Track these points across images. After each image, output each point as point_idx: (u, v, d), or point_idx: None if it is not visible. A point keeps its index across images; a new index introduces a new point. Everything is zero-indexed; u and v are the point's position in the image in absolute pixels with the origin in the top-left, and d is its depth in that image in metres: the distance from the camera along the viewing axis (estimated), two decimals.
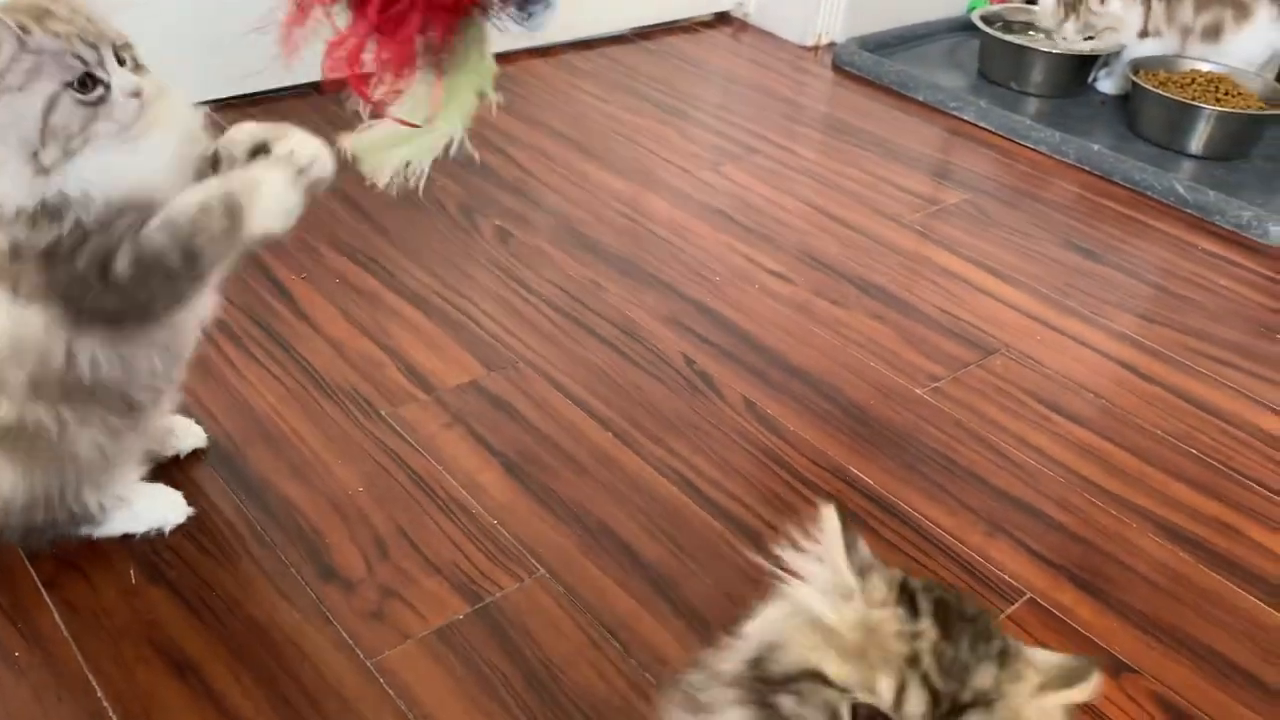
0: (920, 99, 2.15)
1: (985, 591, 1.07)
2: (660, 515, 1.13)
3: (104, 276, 0.86)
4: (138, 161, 0.87)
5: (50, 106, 0.82)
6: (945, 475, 1.22)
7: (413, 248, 1.52)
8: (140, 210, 0.87)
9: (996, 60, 2.23)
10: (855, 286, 1.55)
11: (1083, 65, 2.19)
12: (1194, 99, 1.99)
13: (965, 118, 2.10)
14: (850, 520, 0.71)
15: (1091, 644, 1.03)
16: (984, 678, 0.58)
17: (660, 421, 1.26)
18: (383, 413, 1.22)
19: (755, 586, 1.05)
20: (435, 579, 1.03)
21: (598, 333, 1.39)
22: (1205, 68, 2.09)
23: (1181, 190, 1.83)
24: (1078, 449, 1.28)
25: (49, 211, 0.85)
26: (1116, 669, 1.01)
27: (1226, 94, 2.02)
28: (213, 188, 0.89)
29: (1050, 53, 2.17)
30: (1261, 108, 2.00)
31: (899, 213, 1.76)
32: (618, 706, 0.93)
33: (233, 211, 0.88)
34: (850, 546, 0.65)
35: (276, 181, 0.90)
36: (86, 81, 0.83)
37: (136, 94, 0.85)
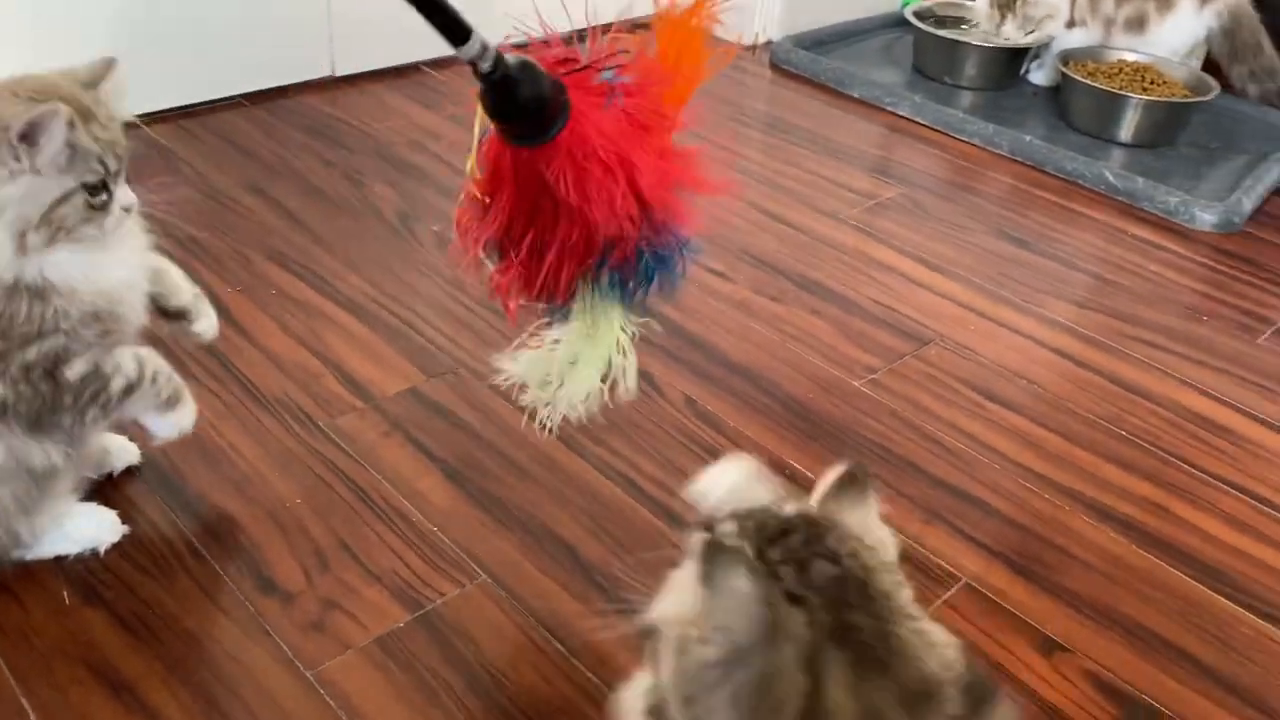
0: (856, 95, 2.18)
1: (922, 578, 1.09)
2: (604, 516, 1.13)
3: (50, 375, 0.91)
4: (105, 268, 0.93)
5: (63, 199, 0.87)
6: (882, 465, 1.24)
7: (350, 256, 1.52)
8: (105, 323, 0.93)
9: (930, 55, 2.26)
10: (794, 283, 1.56)
11: (1014, 58, 2.23)
12: (1121, 89, 2.03)
13: (901, 113, 2.12)
14: None
15: (1026, 625, 1.05)
16: None
17: (602, 422, 1.26)
18: (321, 424, 1.22)
19: None
20: (375, 588, 1.03)
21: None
22: (1131, 58, 2.14)
23: (1111, 178, 1.87)
24: (1012, 435, 1.30)
25: (29, 290, 0.88)
26: (1050, 648, 1.03)
27: (1152, 83, 2.07)
28: (169, 373, 1.02)
29: (982, 46, 2.20)
30: (1186, 95, 2.05)
31: (836, 209, 1.78)
32: (561, 708, 0.94)
33: (174, 399, 1.03)
34: None
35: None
36: (98, 188, 0.88)
37: (128, 209, 0.92)
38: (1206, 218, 1.79)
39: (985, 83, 2.22)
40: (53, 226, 0.87)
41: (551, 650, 0.98)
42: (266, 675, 0.94)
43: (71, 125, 0.85)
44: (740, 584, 0.60)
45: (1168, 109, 2.02)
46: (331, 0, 1.96)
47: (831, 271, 1.60)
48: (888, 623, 0.62)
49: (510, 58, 0.78)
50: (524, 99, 0.78)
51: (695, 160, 0.94)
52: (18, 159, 0.84)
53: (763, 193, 1.81)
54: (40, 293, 0.89)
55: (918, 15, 2.30)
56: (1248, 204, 1.82)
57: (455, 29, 0.74)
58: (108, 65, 0.93)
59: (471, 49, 0.75)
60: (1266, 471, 1.28)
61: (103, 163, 0.88)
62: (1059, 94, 2.14)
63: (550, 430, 0.99)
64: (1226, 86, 2.16)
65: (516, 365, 0.99)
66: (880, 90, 2.16)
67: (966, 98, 2.20)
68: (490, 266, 0.94)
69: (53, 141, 0.84)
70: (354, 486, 1.14)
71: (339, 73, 2.01)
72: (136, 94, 1.77)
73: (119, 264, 0.95)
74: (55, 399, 0.92)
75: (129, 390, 0.97)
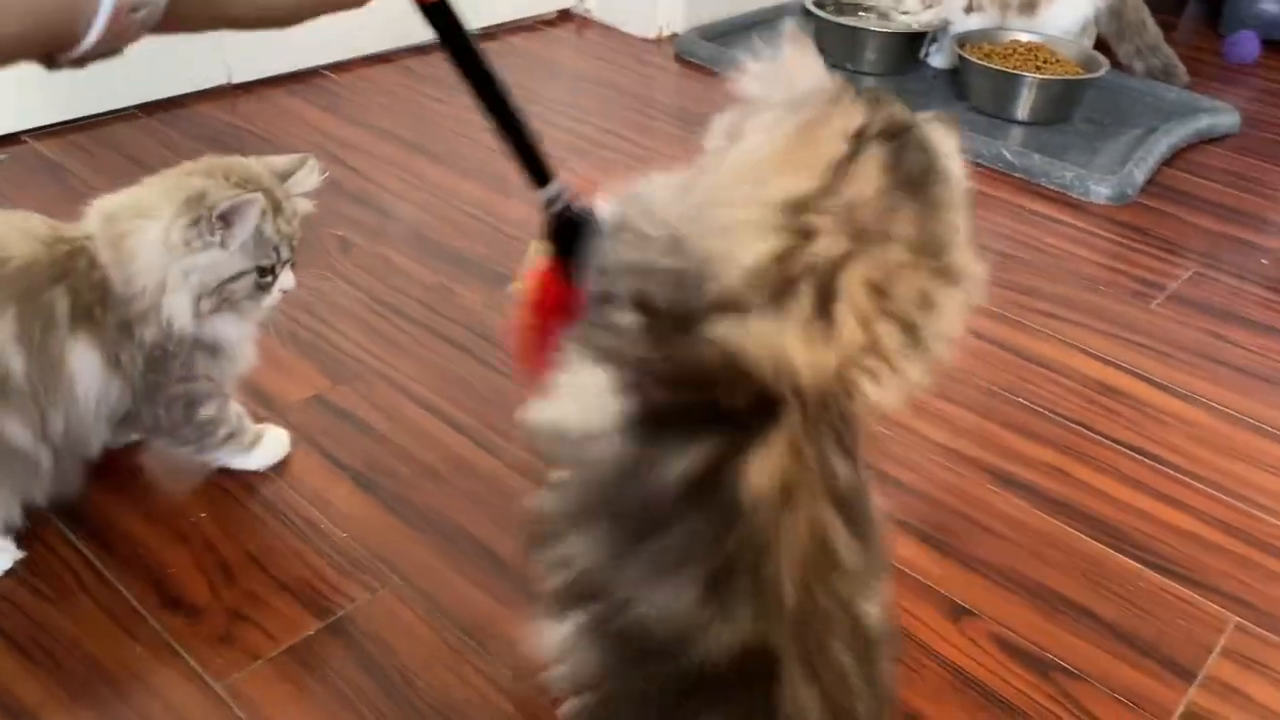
0: None
1: None
2: (521, 514, 1.13)
3: (187, 409, 1.06)
4: (249, 336, 1.09)
5: (237, 276, 1.00)
6: None
7: None
8: (236, 379, 1.11)
9: (831, 42, 2.29)
10: None
11: (913, 42, 2.27)
12: (1016, 69, 2.08)
13: None
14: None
15: (934, 593, 1.07)
16: None
17: (515, 423, 1.26)
18: None
19: None
20: (284, 597, 1.02)
21: (450, 338, 1.39)
22: (1025, 38, 2.19)
23: (1009, 156, 1.91)
24: (916, 410, 1.32)
25: (206, 346, 1.04)
26: (956, 614, 1.05)
27: (1046, 62, 2.12)
28: (251, 426, 1.16)
29: (881, 32, 2.24)
30: (1079, 73, 2.11)
31: None
32: (477, 705, 0.94)
33: (255, 442, 1.16)
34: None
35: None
36: (269, 271, 1.02)
37: (286, 291, 1.05)
38: (1101, 191, 1.84)
39: (886, 68, 2.26)
40: (221, 297, 1.00)
41: (466, 649, 0.98)
42: (175, 692, 0.92)
43: (264, 215, 0.99)
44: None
45: (1062, 87, 2.07)
46: None
47: None
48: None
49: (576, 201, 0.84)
50: (590, 238, 0.83)
51: None
52: (213, 234, 0.97)
53: None
54: (215, 350, 1.05)
55: (817, 3, 2.33)
56: (1139, 176, 1.88)
57: (541, 173, 0.81)
58: (301, 161, 1.06)
59: (552, 191, 0.81)
60: (1162, 432, 1.33)
61: (277, 252, 1.02)
62: (957, 76, 2.19)
63: None
64: (1116, 64, 2.23)
65: None
66: None
67: (868, 83, 2.23)
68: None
69: (245, 226, 0.98)
70: (260, 497, 1.12)
71: (236, 80, 1.97)
72: (21, 108, 1.73)
73: (250, 328, 1.09)
74: (175, 427, 1.07)
75: (228, 438, 1.12)
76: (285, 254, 1.03)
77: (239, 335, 1.07)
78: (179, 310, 0.98)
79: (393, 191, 1.70)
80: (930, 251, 0.65)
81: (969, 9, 2.23)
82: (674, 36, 2.39)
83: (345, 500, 1.13)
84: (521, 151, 0.81)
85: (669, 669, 0.65)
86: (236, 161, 1.03)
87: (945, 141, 0.70)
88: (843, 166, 0.63)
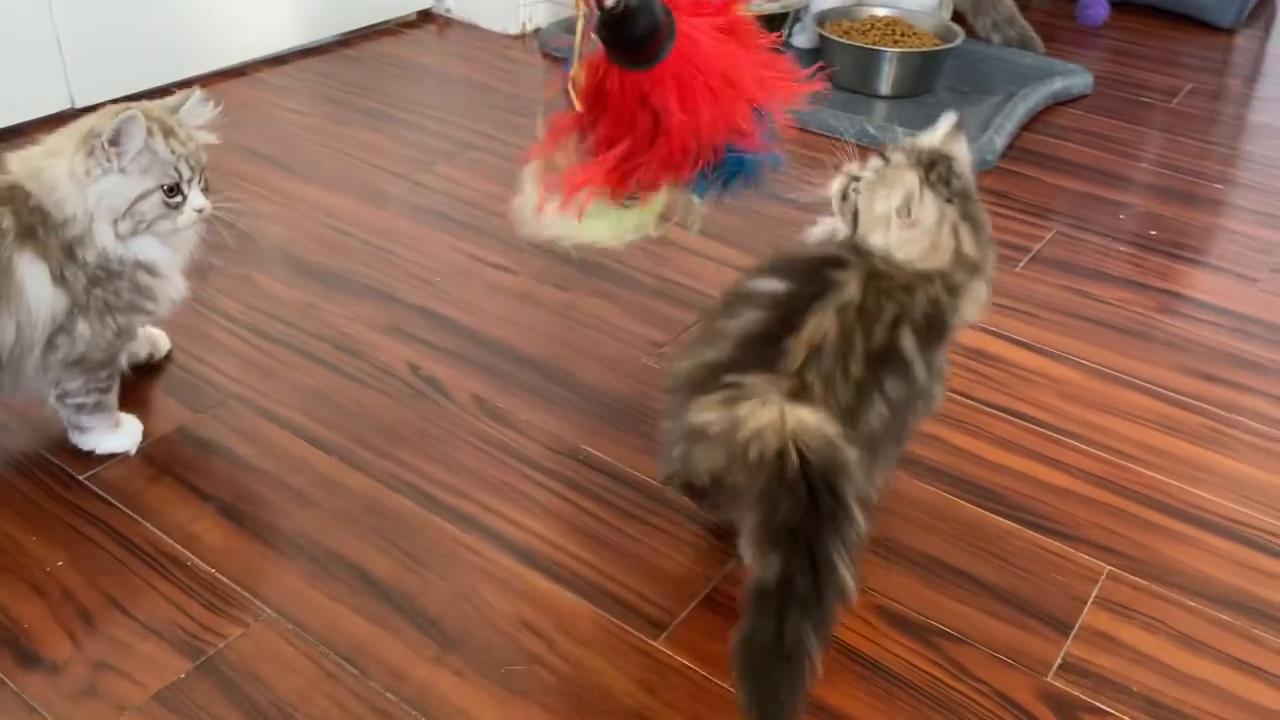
0: None
1: (716, 539, 1.10)
2: (392, 531, 1.10)
3: (122, 338, 1.15)
4: (176, 265, 1.16)
5: (143, 196, 1.08)
6: None
7: None
8: (170, 307, 1.18)
9: None
10: (575, 267, 1.56)
11: (775, 24, 2.29)
12: (875, 43, 2.11)
13: None
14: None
15: None
16: None
17: (387, 435, 1.23)
18: (81, 478, 1.14)
19: (492, 581, 1.05)
20: (151, 641, 0.97)
21: (314, 355, 1.35)
22: (882, 13, 2.22)
23: (872, 130, 1.94)
24: None
25: (144, 266, 1.12)
26: None
27: (903, 35, 2.16)
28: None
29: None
30: (936, 44, 2.15)
31: None
32: None
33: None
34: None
35: None
36: (174, 190, 1.09)
37: (200, 211, 1.12)
38: None
39: None
40: (136, 219, 1.08)
41: (344, 674, 0.95)
42: None
43: (150, 133, 1.06)
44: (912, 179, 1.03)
45: (921, 59, 2.11)
46: (59, 30, 1.84)
47: (612, 252, 1.60)
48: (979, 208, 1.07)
49: None
50: (641, 30, 0.83)
51: (786, 66, 1.03)
52: (107, 159, 1.05)
53: None
54: (153, 269, 1.13)
55: None
56: (999, 142, 1.93)
57: None
58: (187, 96, 1.14)
59: None
60: (1032, 392, 1.36)
61: (178, 170, 1.09)
62: (820, 55, 2.21)
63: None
64: (972, 33, 2.28)
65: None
66: None
67: None
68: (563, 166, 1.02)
69: (133, 143, 1.06)
70: (121, 539, 1.07)
71: (79, 104, 1.88)
72: None
73: (180, 250, 1.17)
74: (103, 364, 1.14)
75: (101, 408, 1.17)
76: (187, 173, 1.10)
77: (169, 259, 1.14)
78: (102, 233, 1.08)
79: (254, 209, 1.65)
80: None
81: None
82: (537, 31, 2.37)
83: (211, 533, 1.09)
84: None
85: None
86: (131, 105, 1.09)
87: (965, 155, 1.09)
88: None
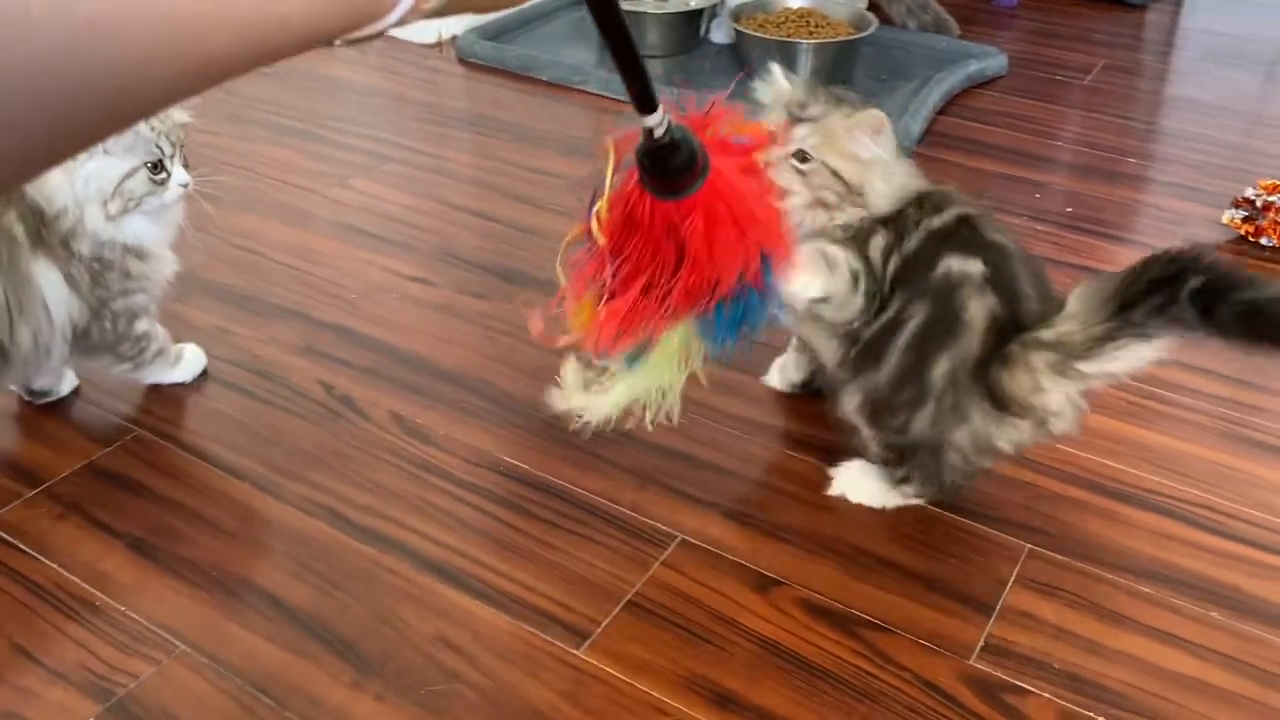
0: (546, 79, 2.18)
1: (638, 544, 1.10)
2: (308, 555, 1.08)
3: (130, 322, 1.22)
4: (165, 244, 1.22)
5: (129, 174, 1.12)
6: (596, 441, 1.23)
7: None
8: (165, 287, 1.24)
9: None
10: (495, 275, 1.55)
11: (692, 21, 2.29)
12: (790, 36, 2.12)
13: (589, 89, 2.14)
14: None
15: (741, 567, 1.07)
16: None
17: (302, 458, 1.20)
18: None
19: (411, 602, 1.03)
20: (59, 687, 0.94)
21: (225, 380, 1.32)
22: (796, 4, 2.23)
23: None
24: (714, 386, 1.32)
25: (133, 250, 1.17)
26: (765, 585, 1.06)
27: (818, 26, 2.17)
28: (175, 346, 1.32)
29: (658, 14, 2.25)
30: (851, 33, 2.16)
31: (535, 195, 1.77)
32: None
33: (178, 357, 1.32)
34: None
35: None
36: (158, 166, 1.14)
37: (185, 186, 1.17)
38: None
39: (669, 49, 2.27)
40: (124, 197, 1.12)
41: (261, 706, 0.93)
42: None
43: None
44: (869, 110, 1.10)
45: (836, 49, 2.12)
46: None
47: (533, 259, 1.59)
48: None
49: (675, 125, 0.86)
50: (681, 160, 0.87)
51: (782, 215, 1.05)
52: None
53: (458, 189, 1.78)
54: (142, 253, 1.17)
55: None
56: (916, 127, 1.94)
57: (647, 100, 0.82)
58: None
59: (655, 118, 0.83)
60: None
61: (159, 147, 1.13)
62: (737, 50, 2.21)
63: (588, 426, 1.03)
64: (888, 20, 2.29)
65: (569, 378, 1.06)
66: (567, 70, 2.17)
67: (654, 66, 2.24)
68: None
69: None
70: (27, 583, 1.04)
71: None
72: None
73: (169, 227, 1.21)
74: (119, 342, 1.21)
75: (158, 353, 1.27)
76: (168, 149, 1.14)
77: (156, 237, 1.19)
78: (93, 217, 1.12)
79: None
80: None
81: None
82: (454, 39, 2.35)
83: (122, 570, 1.06)
84: (636, 80, 0.81)
85: None
86: None
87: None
88: None
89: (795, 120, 1.09)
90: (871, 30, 2.14)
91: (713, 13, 2.32)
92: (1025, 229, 1.70)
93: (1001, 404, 1.05)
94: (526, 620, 1.02)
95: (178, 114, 1.18)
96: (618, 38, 0.79)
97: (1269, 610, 1.04)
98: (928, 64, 2.23)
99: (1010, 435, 1.07)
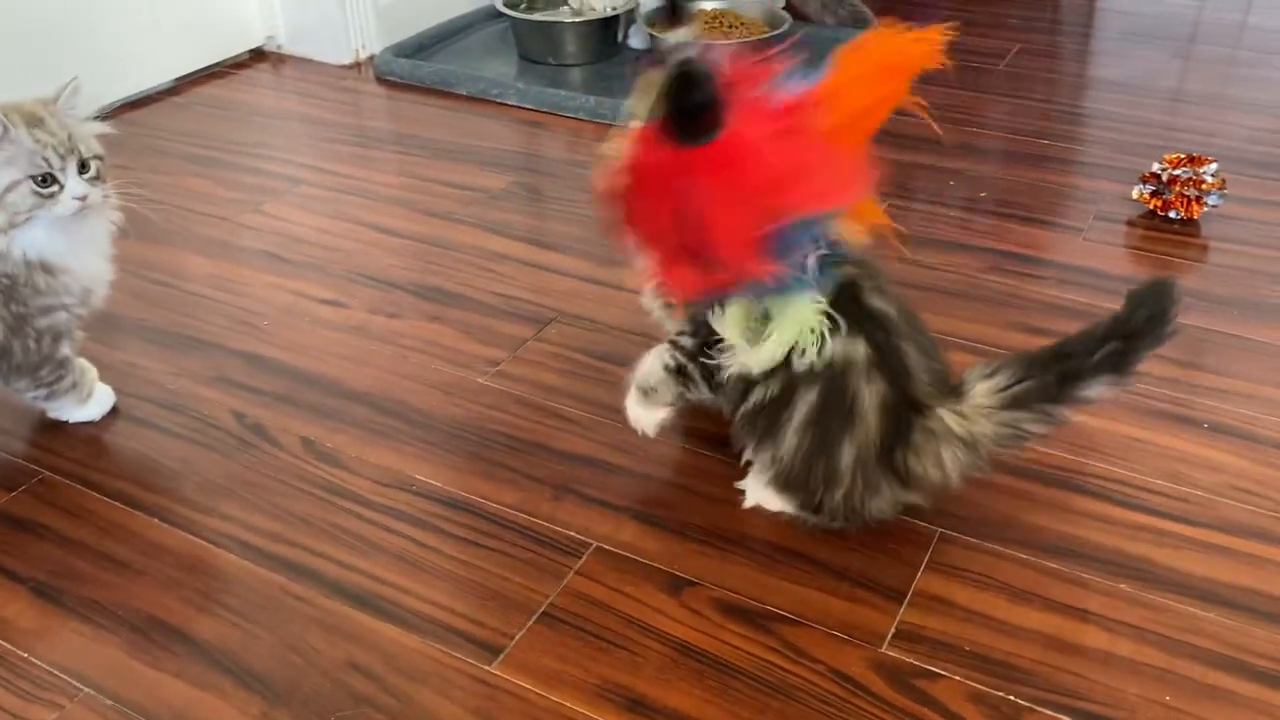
0: (464, 93, 2.18)
1: (553, 554, 1.09)
2: (216, 588, 1.07)
3: (54, 343, 1.21)
4: (83, 256, 1.18)
5: (10, 187, 1.09)
6: (510, 454, 1.23)
7: None
8: (88, 303, 1.21)
9: (529, 40, 2.28)
10: (410, 293, 1.54)
11: (607, 28, 2.29)
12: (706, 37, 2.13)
13: (508, 102, 2.14)
14: None
15: (655, 570, 1.07)
16: None
17: (211, 490, 1.19)
18: None
19: (320, 628, 1.02)
20: None
21: (135, 415, 1.30)
22: (710, 6, 2.24)
23: None
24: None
25: (41, 265, 1.14)
26: (678, 587, 1.05)
27: (733, 26, 2.18)
28: (92, 383, 1.31)
29: (574, 23, 2.25)
30: (765, 31, 2.17)
31: (449, 209, 1.77)
32: None
33: (90, 395, 1.30)
34: None
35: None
36: (47, 179, 1.11)
37: (81, 198, 1.12)
38: None
39: (587, 57, 2.27)
40: (10, 211, 1.10)
41: None
42: None
43: (6, 125, 1.08)
44: None
45: (754, 48, 2.12)
46: None
47: (450, 274, 1.58)
48: None
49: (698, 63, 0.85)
50: (691, 102, 0.85)
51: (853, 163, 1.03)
52: None
53: (373, 209, 1.77)
54: (48, 267, 1.14)
55: (509, 4, 2.32)
56: None
57: (679, 12, 0.83)
58: (65, 85, 1.15)
59: (682, 35, 0.84)
60: None
61: (45, 160, 1.10)
62: (655, 54, 2.22)
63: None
64: (802, 17, 2.31)
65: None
66: (485, 84, 2.16)
67: (574, 75, 2.24)
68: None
69: None
70: None
71: None
72: None
73: (93, 254, 1.20)
74: (41, 364, 1.20)
75: (72, 386, 1.25)
76: (57, 161, 1.11)
77: (65, 249, 1.15)
78: None
79: None
80: None
81: None
82: (371, 58, 2.34)
83: (23, 616, 1.04)
84: None
85: None
86: (16, 102, 1.13)
87: None
88: None
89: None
90: (786, 28, 2.16)
91: (629, 19, 2.32)
92: (934, 215, 1.71)
93: (909, 484, 1.06)
94: (438, 639, 1.01)
95: (93, 125, 1.17)
96: None
97: (1176, 579, 1.05)
98: None
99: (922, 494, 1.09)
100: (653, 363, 1.14)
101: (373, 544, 1.11)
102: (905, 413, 1.03)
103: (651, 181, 0.96)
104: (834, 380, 1.03)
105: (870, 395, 1.02)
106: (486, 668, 0.98)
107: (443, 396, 1.33)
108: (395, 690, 0.96)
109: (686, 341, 1.10)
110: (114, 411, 1.31)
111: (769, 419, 1.07)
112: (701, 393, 1.11)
